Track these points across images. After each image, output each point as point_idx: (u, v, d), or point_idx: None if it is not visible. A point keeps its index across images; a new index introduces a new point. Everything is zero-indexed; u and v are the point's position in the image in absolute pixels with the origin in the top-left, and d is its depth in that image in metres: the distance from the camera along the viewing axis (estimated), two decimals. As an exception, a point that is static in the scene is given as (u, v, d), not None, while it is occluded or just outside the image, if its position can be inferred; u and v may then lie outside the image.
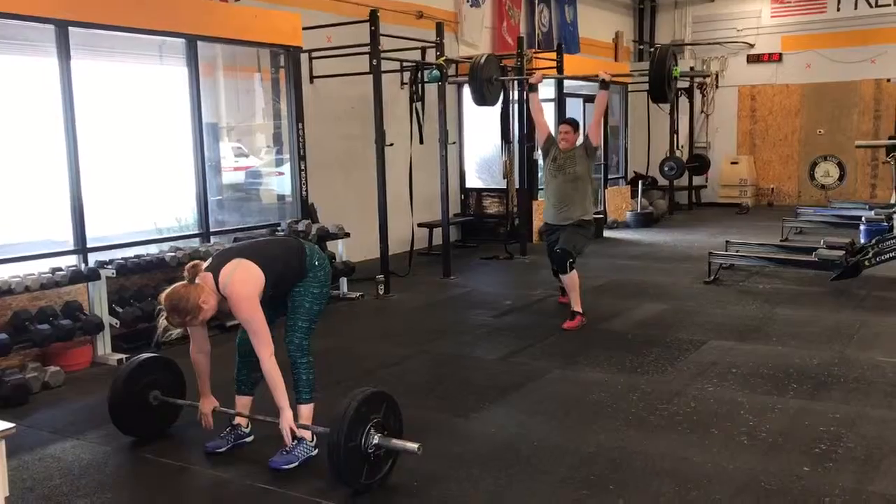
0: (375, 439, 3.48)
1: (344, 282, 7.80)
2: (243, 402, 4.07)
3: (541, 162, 11.28)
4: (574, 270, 6.50)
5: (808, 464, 3.71)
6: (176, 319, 3.61)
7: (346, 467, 3.41)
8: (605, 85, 6.56)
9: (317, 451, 3.87)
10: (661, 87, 6.38)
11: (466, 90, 11.53)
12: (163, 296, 3.64)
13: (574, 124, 6.69)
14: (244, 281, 3.65)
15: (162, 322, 3.67)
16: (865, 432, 4.08)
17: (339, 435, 3.37)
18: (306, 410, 3.92)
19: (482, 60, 7.30)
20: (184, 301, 3.58)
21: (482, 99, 7.32)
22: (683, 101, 15.20)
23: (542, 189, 11.31)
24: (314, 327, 3.95)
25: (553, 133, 6.76)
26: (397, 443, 3.55)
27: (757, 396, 4.66)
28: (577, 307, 6.49)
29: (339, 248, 7.83)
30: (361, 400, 3.48)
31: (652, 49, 6.29)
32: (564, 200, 6.53)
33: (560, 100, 11.38)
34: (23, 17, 5.57)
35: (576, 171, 6.50)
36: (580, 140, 6.68)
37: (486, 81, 7.28)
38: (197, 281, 3.66)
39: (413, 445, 3.49)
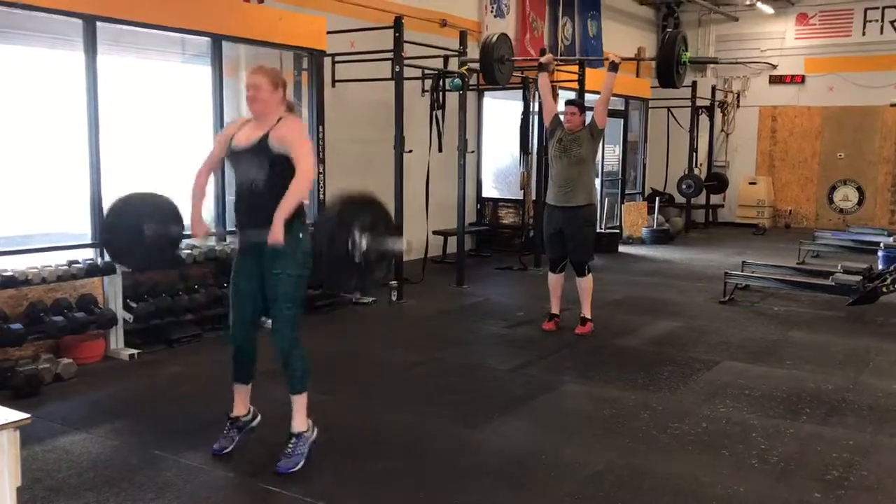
0: (363, 242, 3.51)
1: (357, 286, 7.79)
2: (241, 390, 4.03)
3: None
4: (590, 274, 6.56)
5: (820, 490, 3.67)
6: (259, 69, 3.76)
7: (333, 277, 3.47)
8: (613, 67, 6.43)
9: (316, 432, 3.90)
10: (670, 72, 6.25)
11: (487, 100, 11.60)
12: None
13: (580, 106, 6.57)
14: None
15: None
16: (879, 460, 4.03)
17: (324, 243, 3.40)
18: (301, 401, 3.87)
19: (494, 39, 7.24)
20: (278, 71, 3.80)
21: (493, 79, 7.30)
22: (703, 120, 15.17)
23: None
24: (299, 313, 3.81)
25: (560, 115, 6.65)
26: (382, 241, 3.57)
27: (769, 419, 4.62)
28: (588, 313, 6.56)
29: (354, 252, 7.82)
30: (341, 205, 3.52)
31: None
32: (568, 183, 6.41)
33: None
34: (52, 11, 5.61)
35: (580, 154, 6.38)
36: (587, 122, 6.57)
37: (498, 62, 7.23)
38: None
39: (400, 242, 3.59)
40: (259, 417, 4.12)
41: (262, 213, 3.65)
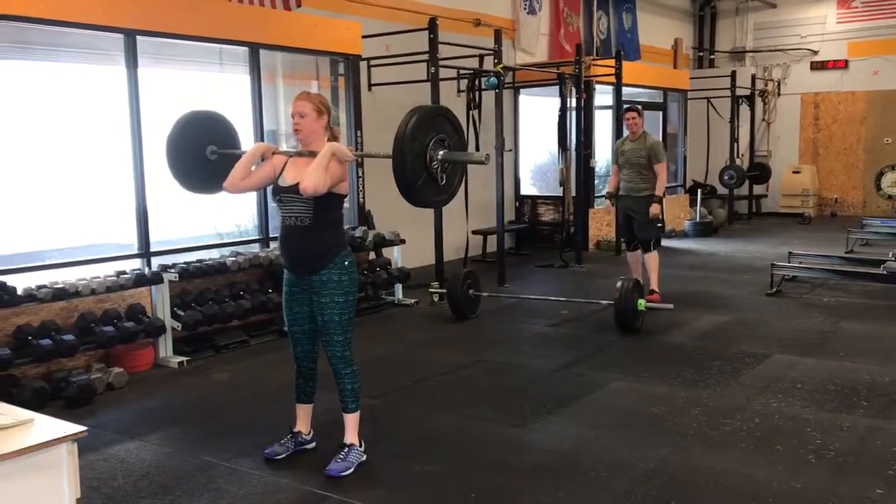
0: (439, 156, 3.81)
1: (399, 288, 7.81)
2: (304, 410, 4.10)
3: (597, 168, 11.37)
4: (656, 251, 7.48)
5: (882, 486, 3.57)
6: (304, 95, 3.84)
7: (421, 200, 3.83)
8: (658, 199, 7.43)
9: (366, 456, 3.92)
10: (627, 319, 6.30)
11: (523, 97, 11.56)
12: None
13: (639, 110, 7.46)
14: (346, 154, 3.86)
15: None
16: (941, 454, 3.91)
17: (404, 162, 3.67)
18: (353, 419, 3.93)
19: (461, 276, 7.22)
20: (323, 98, 3.90)
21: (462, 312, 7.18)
22: (744, 109, 14.91)
23: (598, 196, 11.25)
24: (350, 336, 3.89)
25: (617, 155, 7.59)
26: (459, 154, 3.87)
27: (824, 413, 4.51)
28: (656, 285, 7.49)
29: (395, 254, 7.85)
30: (413, 127, 3.75)
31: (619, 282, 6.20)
32: (634, 177, 7.40)
33: (619, 107, 11.26)
34: (95, 27, 5.73)
35: (644, 161, 7.32)
36: (647, 136, 7.41)
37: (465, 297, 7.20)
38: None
39: (480, 155, 3.79)
40: (315, 444, 4.14)
41: (309, 249, 3.76)
